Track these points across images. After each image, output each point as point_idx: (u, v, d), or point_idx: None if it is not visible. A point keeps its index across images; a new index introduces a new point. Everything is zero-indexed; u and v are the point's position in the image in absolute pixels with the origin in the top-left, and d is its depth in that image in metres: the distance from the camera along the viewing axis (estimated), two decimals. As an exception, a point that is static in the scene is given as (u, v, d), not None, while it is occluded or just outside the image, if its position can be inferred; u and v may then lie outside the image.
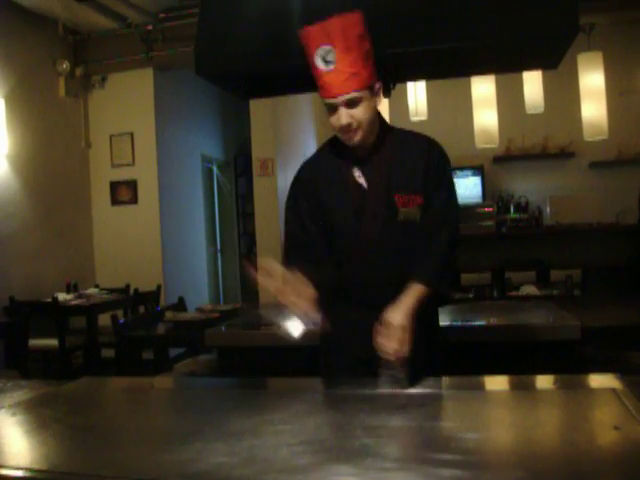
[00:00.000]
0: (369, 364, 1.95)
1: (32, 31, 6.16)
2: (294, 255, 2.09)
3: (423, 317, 1.98)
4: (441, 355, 2.16)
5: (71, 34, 6.67)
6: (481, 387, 1.83)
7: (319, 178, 2.12)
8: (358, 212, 2.05)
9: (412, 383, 1.81)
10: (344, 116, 1.94)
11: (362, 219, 2.05)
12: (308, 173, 2.18)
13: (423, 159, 2.05)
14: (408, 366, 1.82)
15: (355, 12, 1.92)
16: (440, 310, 2.22)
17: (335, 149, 2.11)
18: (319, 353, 2.21)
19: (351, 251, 2.07)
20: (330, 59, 1.89)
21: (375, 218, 2.04)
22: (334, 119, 1.97)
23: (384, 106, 5.86)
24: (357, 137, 1.99)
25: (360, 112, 1.94)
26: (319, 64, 1.91)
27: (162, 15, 6.53)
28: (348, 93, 1.90)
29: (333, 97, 1.93)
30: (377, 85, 2.00)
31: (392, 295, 1.97)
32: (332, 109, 1.96)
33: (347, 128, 1.96)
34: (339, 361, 2.13)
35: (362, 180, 2.06)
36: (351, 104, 1.93)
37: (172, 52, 6.46)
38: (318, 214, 2.09)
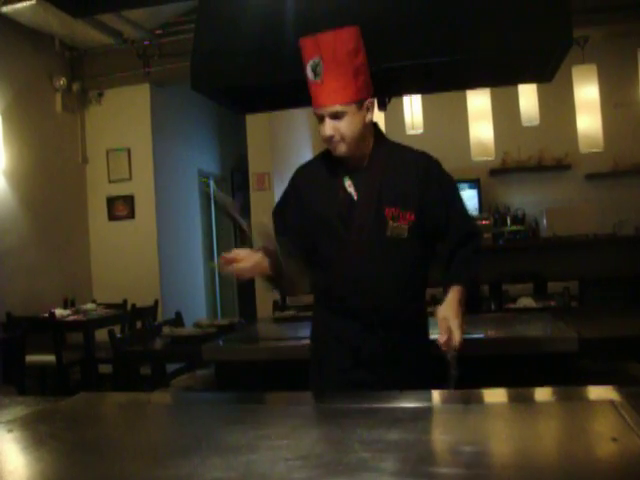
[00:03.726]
0: (351, 372, 2.03)
1: (29, 47, 6.19)
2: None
3: (419, 326, 2.08)
4: (433, 364, 2.14)
5: (68, 50, 6.72)
6: (479, 400, 1.83)
7: (310, 184, 2.16)
8: (346, 222, 2.05)
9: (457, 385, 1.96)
10: (328, 128, 2.00)
11: (349, 229, 2.05)
12: (300, 177, 2.22)
13: (419, 176, 2.06)
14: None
15: (351, 27, 1.96)
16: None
17: (329, 158, 2.13)
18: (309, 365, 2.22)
19: (335, 260, 2.07)
20: (319, 71, 1.95)
21: (362, 229, 2.03)
22: (320, 129, 2.03)
23: (380, 120, 5.88)
24: (341, 149, 2.02)
25: (344, 125, 1.98)
26: (309, 75, 1.99)
27: (158, 31, 6.58)
28: (333, 106, 1.96)
29: (318, 107, 1.99)
30: (368, 101, 2.03)
31: (373, 305, 2.00)
32: (320, 118, 2.02)
33: (330, 139, 2.01)
34: (322, 371, 2.14)
35: (352, 190, 2.06)
36: (336, 117, 1.98)
37: (168, 68, 6.49)
38: (302, 218, 2.14)
